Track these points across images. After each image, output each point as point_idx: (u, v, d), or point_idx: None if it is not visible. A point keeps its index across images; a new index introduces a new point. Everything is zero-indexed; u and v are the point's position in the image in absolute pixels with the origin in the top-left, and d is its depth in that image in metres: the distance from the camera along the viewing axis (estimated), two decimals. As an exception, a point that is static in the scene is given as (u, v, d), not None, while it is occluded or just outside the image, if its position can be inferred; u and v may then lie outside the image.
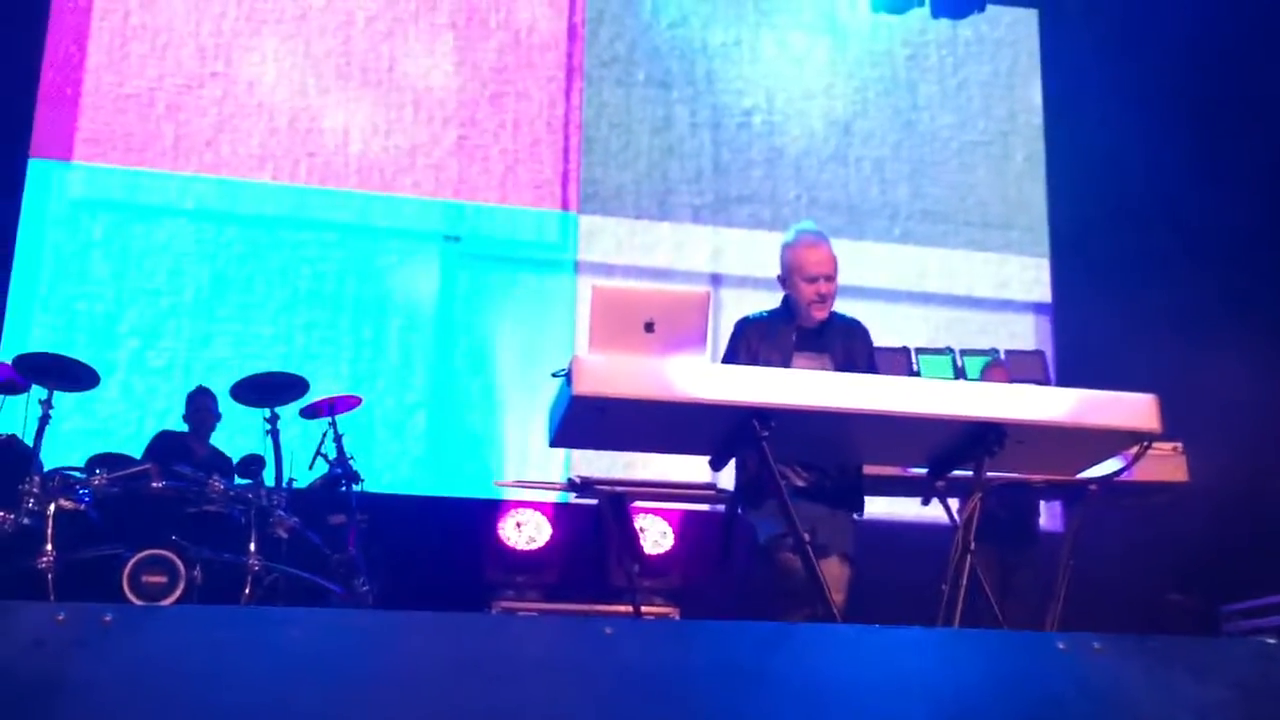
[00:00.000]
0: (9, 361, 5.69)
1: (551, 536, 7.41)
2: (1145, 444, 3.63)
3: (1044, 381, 6.97)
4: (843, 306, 4.42)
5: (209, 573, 5.11)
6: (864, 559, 4.22)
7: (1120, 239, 8.46)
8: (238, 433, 6.75)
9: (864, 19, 9.15)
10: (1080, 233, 8.79)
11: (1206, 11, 8.18)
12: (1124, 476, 4.10)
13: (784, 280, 4.34)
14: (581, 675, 2.65)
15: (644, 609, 6.52)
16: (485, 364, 8.09)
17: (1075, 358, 8.45)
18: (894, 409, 3.44)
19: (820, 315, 4.29)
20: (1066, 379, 7.96)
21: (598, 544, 7.22)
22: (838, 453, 3.98)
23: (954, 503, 4.24)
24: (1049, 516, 7.04)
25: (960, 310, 8.74)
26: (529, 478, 7.59)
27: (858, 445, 3.86)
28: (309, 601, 5.57)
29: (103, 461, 5.65)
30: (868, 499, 4.37)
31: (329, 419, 6.40)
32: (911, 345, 6.95)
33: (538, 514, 7.46)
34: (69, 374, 5.53)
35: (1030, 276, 8.94)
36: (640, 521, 7.33)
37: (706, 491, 4.72)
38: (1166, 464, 5.08)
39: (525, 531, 7.41)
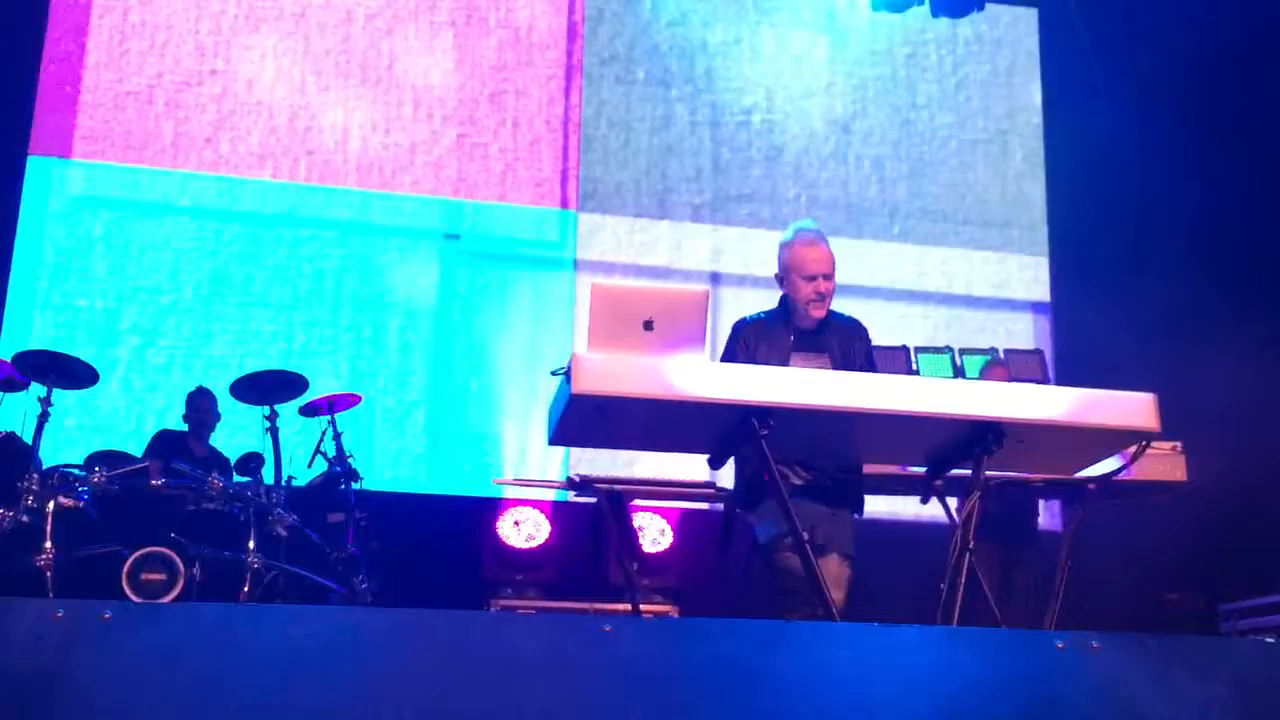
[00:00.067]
0: (8, 359, 5.69)
1: (550, 535, 7.42)
2: (1144, 443, 3.63)
3: (1043, 380, 6.97)
4: (841, 305, 4.42)
5: (208, 570, 5.11)
6: (863, 557, 4.22)
7: (1119, 238, 8.47)
8: (237, 430, 6.76)
9: (863, 18, 9.15)
10: (1079, 232, 8.80)
11: (1205, 10, 8.17)
12: (1123, 476, 4.11)
13: (782, 279, 4.33)
14: (580, 673, 2.66)
15: (643, 607, 6.52)
16: (484, 362, 8.09)
17: (1074, 357, 8.45)
18: (893, 408, 3.44)
19: (818, 314, 4.28)
20: (1065, 378, 7.97)
21: (596, 542, 7.21)
22: (837, 452, 3.98)
23: (953, 501, 4.24)
24: (1048, 515, 7.05)
25: (959, 309, 8.75)
26: (528, 476, 7.61)
27: (857, 444, 3.86)
28: (308, 599, 5.57)
29: (102, 459, 5.65)
30: (867, 498, 4.37)
31: (328, 417, 6.40)
32: (910, 344, 6.95)
33: (537, 512, 7.47)
34: (68, 371, 5.52)
35: (1029, 275, 8.95)
36: (639, 520, 7.34)
37: (705, 490, 4.72)
38: (1165, 463, 5.08)
39: (524, 529, 7.41)
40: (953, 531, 3.68)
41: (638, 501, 6.63)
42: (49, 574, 4.88)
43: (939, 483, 3.90)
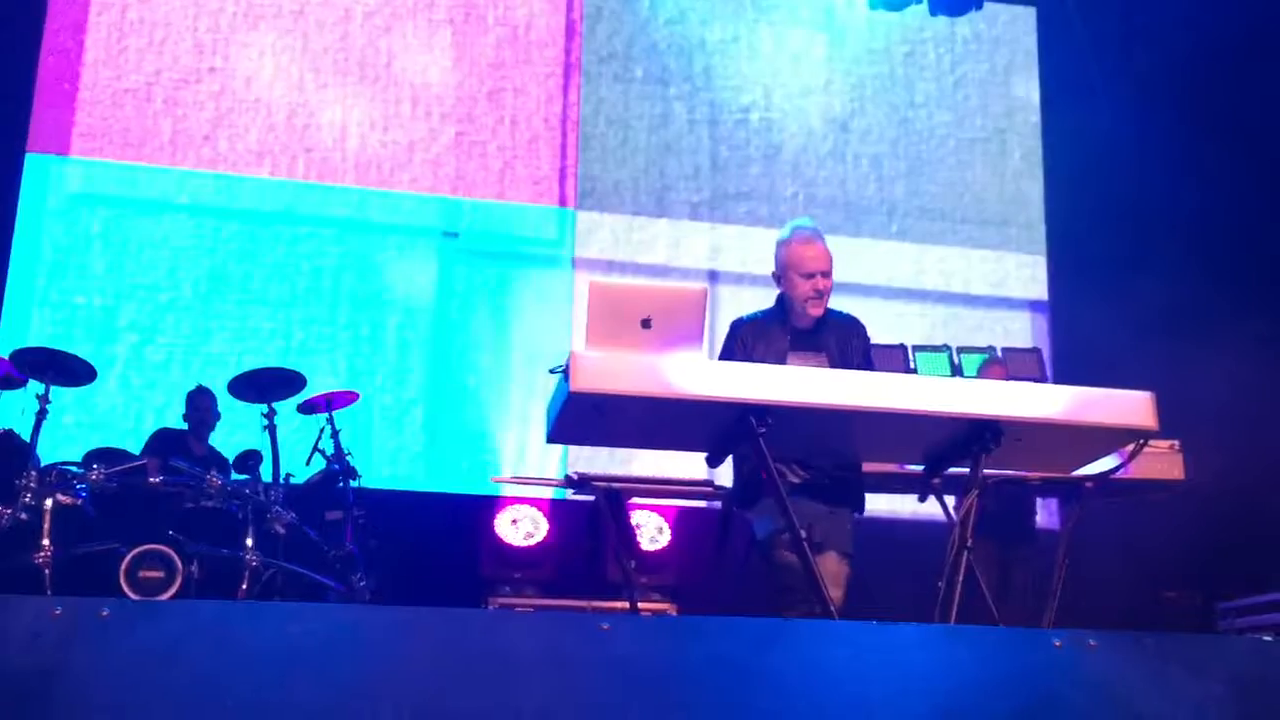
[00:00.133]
0: (6, 356, 5.68)
1: (548, 532, 7.41)
2: (1142, 441, 3.64)
3: (1040, 379, 6.97)
4: (839, 303, 4.41)
5: (206, 568, 5.11)
6: (861, 555, 4.22)
7: (1117, 236, 8.47)
8: (235, 428, 6.76)
9: (861, 16, 9.15)
10: (1077, 230, 8.80)
11: (1203, 9, 8.17)
12: (1120, 474, 4.12)
13: (779, 277, 4.33)
14: (578, 671, 2.66)
15: (640, 605, 6.53)
16: (482, 360, 8.10)
17: (1072, 355, 8.46)
18: (890, 406, 3.45)
19: (816, 312, 4.28)
20: (1063, 376, 7.97)
21: (594, 540, 7.22)
22: (834, 450, 3.98)
23: (950, 500, 4.24)
24: (1045, 514, 7.05)
25: (957, 307, 8.75)
26: (526, 474, 7.61)
27: (854, 442, 3.87)
28: (306, 597, 5.57)
29: (100, 456, 5.65)
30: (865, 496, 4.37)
31: (326, 414, 6.39)
32: (908, 342, 6.95)
33: (534, 510, 7.47)
34: (66, 369, 5.52)
35: (1027, 274, 8.95)
36: (637, 518, 7.34)
37: (703, 488, 4.71)
38: (1163, 462, 5.08)
39: (522, 527, 7.41)
40: (950, 530, 3.69)
41: (636, 499, 6.62)
42: (47, 571, 4.87)
43: (937, 481, 3.90)
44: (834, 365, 4.21)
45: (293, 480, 6.18)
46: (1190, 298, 7.54)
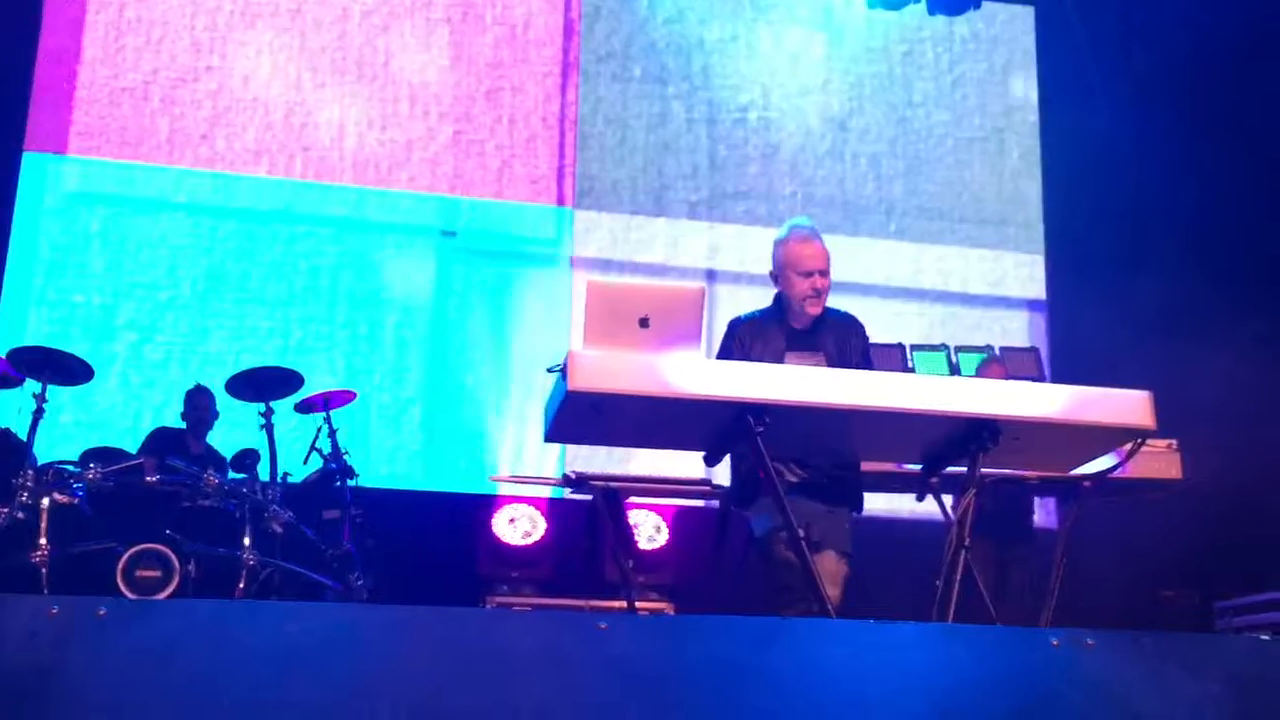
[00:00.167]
0: (3, 355, 5.68)
1: (546, 532, 7.41)
2: (1139, 441, 3.64)
3: (1038, 378, 6.97)
4: (837, 303, 4.41)
5: (203, 567, 5.10)
6: (858, 554, 4.22)
7: (1115, 235, 8.47)
8: (233, 427, 6.75)
9: (860, 15, 9.15)
10: (1075, 229, 8.80)
11: (1201, 9, 8.18)
12: (1118, 473, 4.11)
13: (776, 276, 4.33)
14: (575, 670, 2.66)
15: (638, 604, 6.53)
16: (480, 359, 8.09)
17: (1070, 354, 8.46)
18: (888, 405, 3.45)
19: (814, 311, 4.27)
20: (1061, 376, 7.97)
21: (592, 539, 7.23)
22: (832, 449, 3.98)
23: (948, 499, 4.24)
24: (1043, 513, 7.05)
25: (955, 306, 8.75)
26: (524, 473, 7.61)
27: (852, 441, 3.86)
28: (303, 596, 5.56)
29: (97, 455, 5.65)
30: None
31: (324, 414, 6.39)
32: (906, 341, 6.95)
33: (532, 509, 7.46)
34: (63, 368, 5.51)
35: (1025, 273, 8.96)
36: (635, 517, 7.34)
37: (701, 487, 4.71)
38: (1160, 461, 5.08)
39: (520, 526, 7.41)
40: (948, 529, 3.69)
41: (634, 499, 6.62)
42: (44, 570, 4.87)
43: (935, 480, 3.90)
44: (832, 364, 4.20)
45: (290, 479, 6.18)
46: (1188, 297, 7.54)
